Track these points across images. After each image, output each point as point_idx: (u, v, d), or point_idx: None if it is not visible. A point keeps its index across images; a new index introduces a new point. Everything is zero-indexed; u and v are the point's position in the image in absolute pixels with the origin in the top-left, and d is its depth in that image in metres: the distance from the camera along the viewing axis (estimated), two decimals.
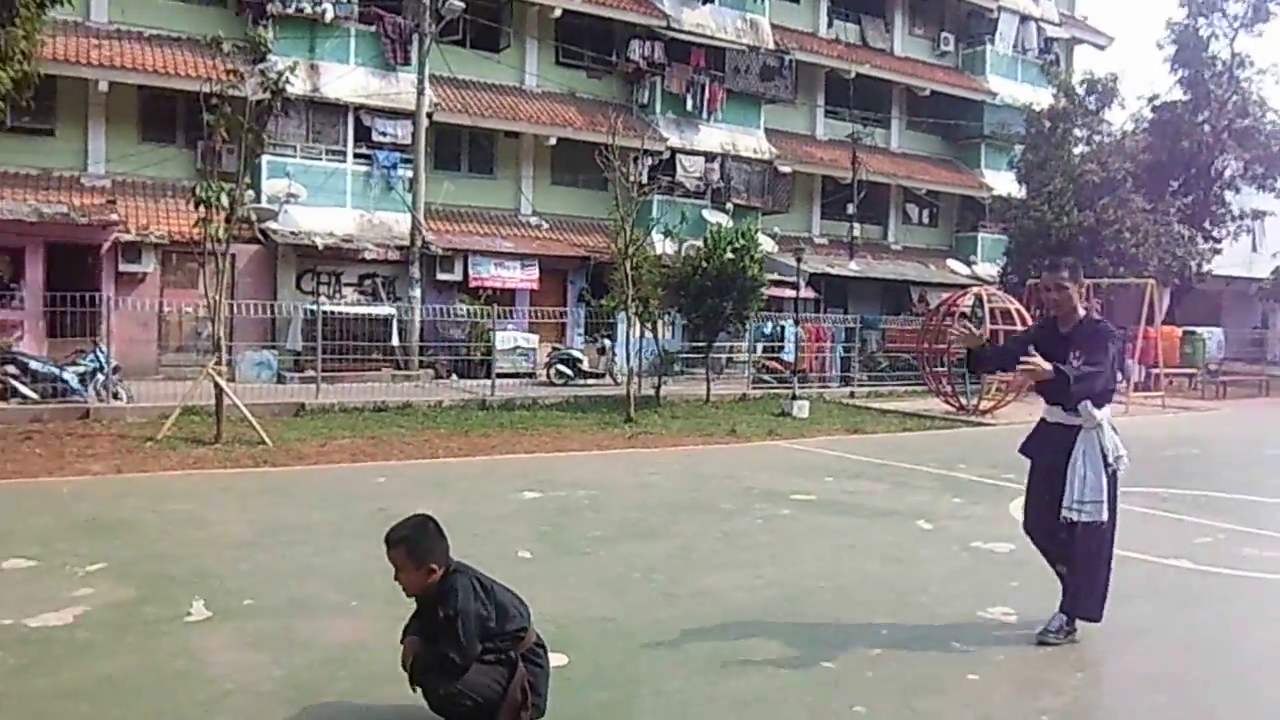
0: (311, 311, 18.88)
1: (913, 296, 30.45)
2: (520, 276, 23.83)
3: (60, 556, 6.69)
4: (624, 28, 27.50)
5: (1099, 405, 5.41)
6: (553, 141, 25.89)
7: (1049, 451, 5.58)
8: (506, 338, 20.94)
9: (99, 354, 15.51)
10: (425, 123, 22.63)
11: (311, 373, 18.30)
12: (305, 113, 22.56)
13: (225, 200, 11.98)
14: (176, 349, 20.44)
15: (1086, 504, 5.33)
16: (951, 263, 33.20)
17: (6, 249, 19.70)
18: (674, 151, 26.99)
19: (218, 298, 12.71)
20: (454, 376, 20.97)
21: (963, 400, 19.19)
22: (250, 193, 18.20)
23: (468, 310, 21.43)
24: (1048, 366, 5.15)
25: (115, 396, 15.22)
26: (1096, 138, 28.88)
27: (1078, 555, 5.48)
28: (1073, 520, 5.38)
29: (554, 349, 22.19)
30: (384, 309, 21.26)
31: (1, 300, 19.40)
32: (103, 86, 21.16)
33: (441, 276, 23.00)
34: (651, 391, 18.07)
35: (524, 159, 26.36)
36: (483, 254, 23.45)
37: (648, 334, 18.58)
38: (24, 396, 14.49)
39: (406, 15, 23.76)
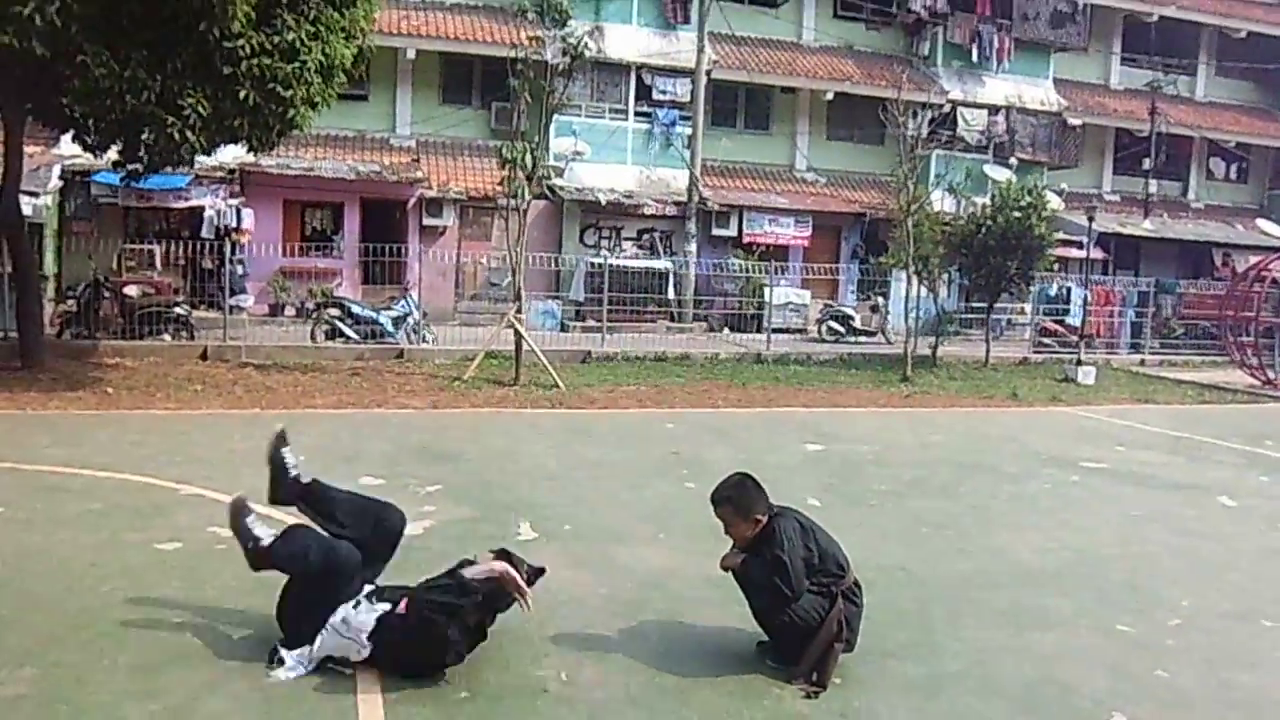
0: (596, 265, 19.84)
1: (1215, 259, 28.13)
2: (794, 233, 23.93)
3: (402, 478, 7.58)
4: None
5: None
6: (829, 96, 25.68)
7: None
8: (780, 293, 21.17)
9: (408, 300, 17.04)
10: (704, 80, 23.07)
11: (592, 322, 19.31)
12: (590, 73, 23.51)
13: (528, 160, 12.81)
14: (471, 297, 22.01)
15: None
16: (1262, 223, 30.31)
17: (329, 204, 21.88)
18: (955, 104, 26.10)
19: (517, 250, 13.64)
20: (726, 330, 21.44)
21: (1271, 374, 17.74)
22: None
23: (741, 265, 21.80)
24: None
25: (423, 340, 16.67)
26: None
27: None
28: None
29: (826, 305, 22.22)
30: (661, 263, 22.01)
31: (325, 250, 21.57)
32: (410, 54, 22.88)
33: (717, 232, 23.50)
34: (927, 351, 17.81)
35: (800, 114, 26.32)
36: (757, 210, 23.72)
37: (925, 293, 18.28)
38: (347, 337, 16.14)
39: None
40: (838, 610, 4.29)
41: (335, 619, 4.12)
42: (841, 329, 21.05)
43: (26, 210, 14.31)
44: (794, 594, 4.22)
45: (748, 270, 21.55)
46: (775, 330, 19.68)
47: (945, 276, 19.52)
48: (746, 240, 23.40)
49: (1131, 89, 29.84)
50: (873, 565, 5.83)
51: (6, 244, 13.14)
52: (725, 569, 4.46)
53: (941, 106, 24.99)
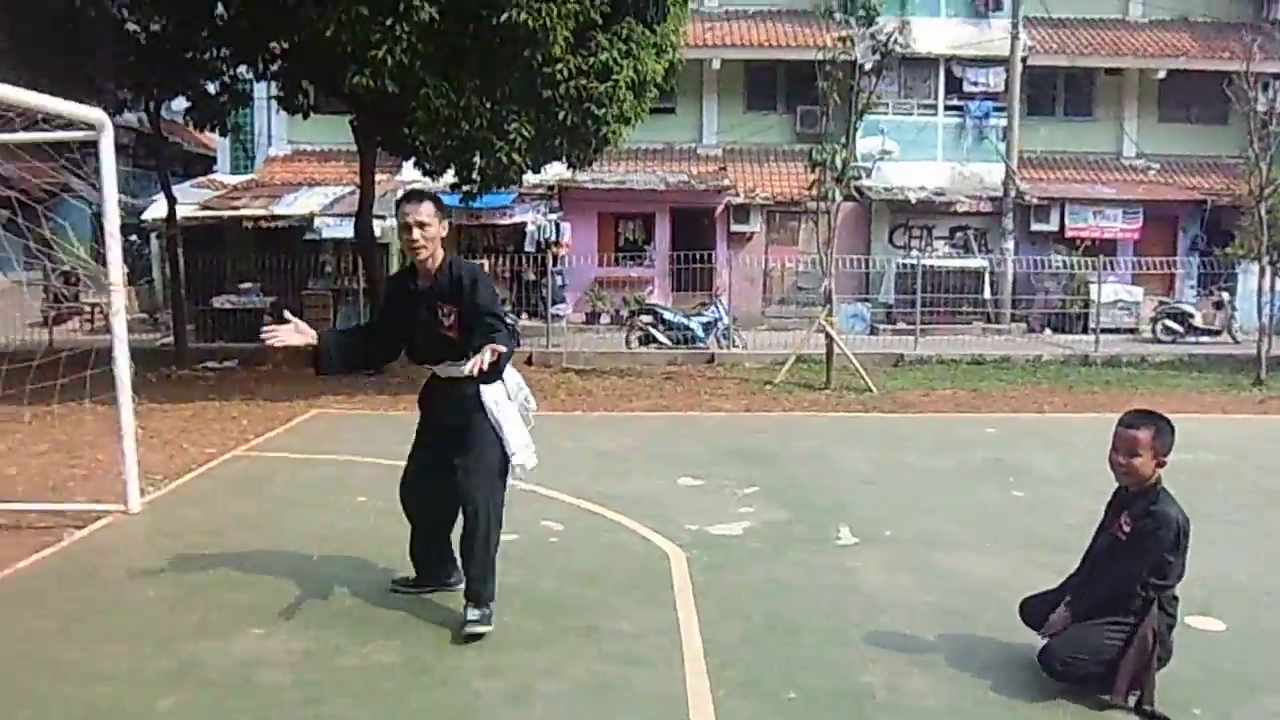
0: (908, 266, 19.34)
1: None
2: (1122, 225, 22.19)
3: (719, 478, 7.71)
4: None
5: None
6: (1161, 75, 23.58)
7: None
8: (1107, 290, 19.69)
9: (718, 305, 17.35)
10: (1019, 68, 21.89)
11: (903, 325, 18.83)
12: (898, 69, 22.93)
13: (837, 162, 12.68)
14: (779, 301, 22.06)
15: None
16: None
17: (640, 215, 22.67)
18: None
19: (828, 253, 13.53)
20: (1047, 331, 20.23)
21: None
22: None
23: (1064, 261, 20.49)
24: None
25: (733, 344, 16.90)
26: None
27: None
28: None
29: (1161, 303, 20.41)
30: (976, 261, 21.10)
31: (637, 260, 22.37)
32: (715, 65, 23.29)
33: (1035, 227, 22.22)
34: None
35: (1127, 97, 24.37)
36: (1080, 202, 22.21)
37: None
38: (660, 343, 16.65)
39: None
40: (1152, 618, 3.86)
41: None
42: (1179, 328, 19.26)
43: (376, 231, 15.83)
44: (1168, 580, 3.88)
45: (1071, 267, 20.23)
46: (1103, 330, 18.31)
47: None
48: (1069, 235, 21.95)
49: None
50: (1230, 586, 5.31)
51: (361, 261, 14.61)
52: (1052, 635, 4.02)
53: None
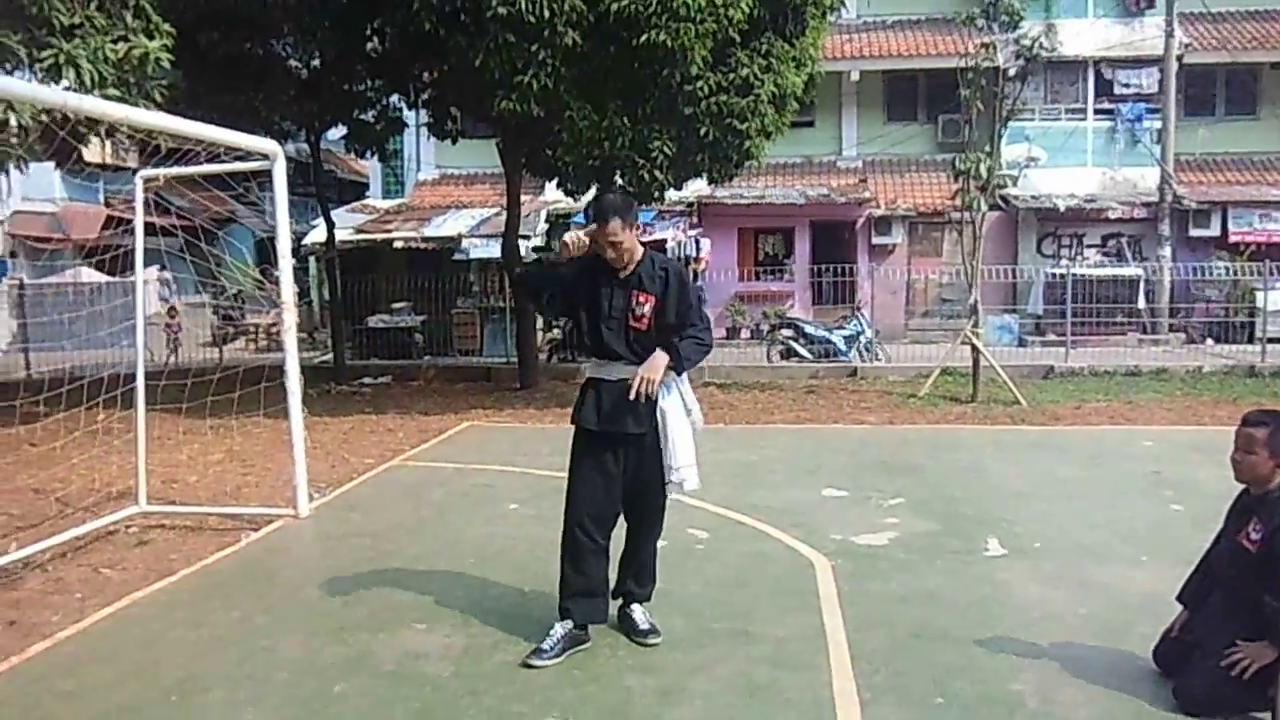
0: (1057, 275, 18.79)
1: None
2: None
3: (864, 489, 7.69)
4: None
5: None
6: None
7: None
8: (1275, 297, 18.67)
9: (860, 319, 17.20)
10: (1175, 67, 21.03)
11: (1053, 336, 18.30)
12: (1043, 73, 22.32)
13: (982, 170, 12.47)
14: (922, 314, 21.74)
15: None
16: None
17: (780, 229, 22.67)
18: None
19: (973, 264, 13.29)
20: (1210, 341, 19.31)
21: None
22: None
23: (1226, 268, 19.55)
24: None
25: (875, 358, 16.72)
26: None
27: None
28: None
29: None
30: (1130, 269, 20.30)
31: (777, 274, 22.36)
32: (854, 76, 23.15)
33: (1194, 233, 21.24)
34: None
35: None
36: (1244, 205, 21.13)
37: None
38: (801, 356, 16.61)
39: None
40: None
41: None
42: None
43: (522, 252, 16.30)
44: None
45: (1235, 273, 19.28)
46: (1271, 340, 17.38)
47: None
48: (1232, 240, 20.92)
49: None
50: None
51: (508, 280, 15.07)
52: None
53: None
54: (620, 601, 4.71)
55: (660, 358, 4.28)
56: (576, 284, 4.50)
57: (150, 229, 7.25)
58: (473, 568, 5.76)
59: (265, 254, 11.43)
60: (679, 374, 4.45)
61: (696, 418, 4.57)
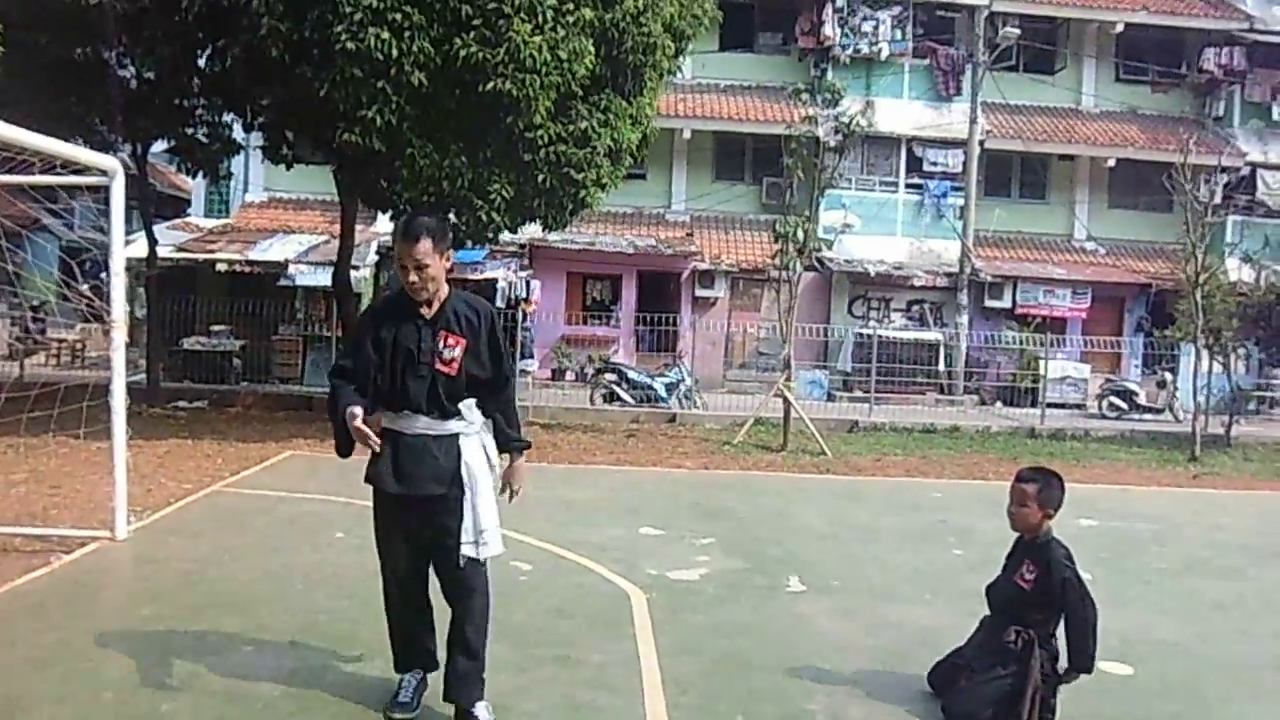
0: (865, 336, 20.01)
1: None
2: (1071, 304, 23.11)
3: (679, 529, 8.13)
4: (1196, 36, 25.48)
5: None
6: (1111, 163, 24.71)
7: None
8: (1055, 367, 20.46)
9: (681, 367, 17.87)
10: (977, 150, 22.90)
11: (859, 392, 19.46)
12: (860, 147, 23.83)
13: (800, 234, 13.31)
14: (739, 365, 22.64)
15: None
16: None
17: (608, 276, 23.24)
18: (1254, 167, 24.46)
19: (788, 321, 14.10)
20: (999, 404, 20.93)
21: None
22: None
23: (1015, 337, 21.29)
24: None
25: (694, 405, 17.38)
26: None
27: None
28: None
29: (1107, 380, 21.21)
30: (931, 334, 21.87)
31: (603, 319, 22.89)
32: (686, 134, 24.08)
33: (989, 303, 23.07)
34: (1220, 430, 16.69)
35: (1079, 182, 25.49)
36: (1032, 281, 23.12)
37: (1217, 368, 17.19)
38: (624, 401, 17.10)
39: (959, 46, 24.31)
40: (1038, 657, 4.33)
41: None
42: (1124, 405, 20.03)
43: (351, 281, 16.22)
44: (1091, 615, 4.33)
45: (1022, 343, 21.02)
46: (1051, 405, 19.04)
47: (1241, 350, 18.27)
48: (1020, 312, 22.82)
49: None
50: (1146, 639, 5.79)
51: (337, 308, 14.97)
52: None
53: (1238, 169, 23.56)
54: (452, 703, 4.11)
55: (521, 467, 4.21)
56: (378, 342, 3.95)
57: None
58: (300, 594, 5.85)
59: (68, 265, 10.83)
60: (520, 451, 4.23)
61: (499, 471, 4.18)
